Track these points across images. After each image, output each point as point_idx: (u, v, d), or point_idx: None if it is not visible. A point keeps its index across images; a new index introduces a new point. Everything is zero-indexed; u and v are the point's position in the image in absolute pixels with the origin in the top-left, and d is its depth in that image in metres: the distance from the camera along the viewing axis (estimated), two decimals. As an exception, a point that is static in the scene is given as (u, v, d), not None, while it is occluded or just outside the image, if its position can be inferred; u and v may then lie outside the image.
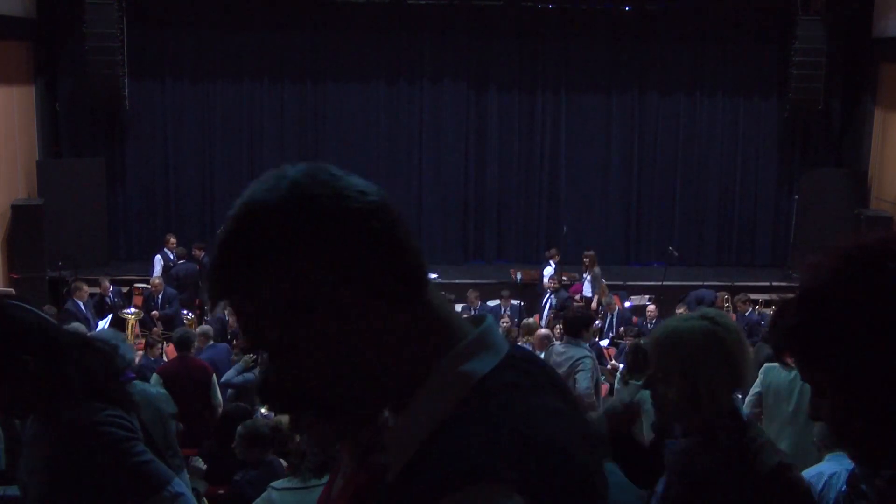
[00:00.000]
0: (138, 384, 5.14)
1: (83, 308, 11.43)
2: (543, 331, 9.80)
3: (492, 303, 13.35)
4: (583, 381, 6.76)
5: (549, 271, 13.54)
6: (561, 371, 7.08)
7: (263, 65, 15.71)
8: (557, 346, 7.57)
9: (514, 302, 13.09)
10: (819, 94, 14.87)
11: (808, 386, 1.33)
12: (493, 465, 1.10)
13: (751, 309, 12.32)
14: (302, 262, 1.14)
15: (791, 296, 1.33)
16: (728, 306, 12.95)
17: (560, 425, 1.20)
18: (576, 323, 7.28)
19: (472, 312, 12.53)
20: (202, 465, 4.91)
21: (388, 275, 1.19)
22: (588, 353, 7.06)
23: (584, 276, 13.53)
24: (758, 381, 6.06)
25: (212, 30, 15.51)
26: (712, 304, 12.87)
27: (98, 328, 10.99)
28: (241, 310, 1.18)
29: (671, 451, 2.46)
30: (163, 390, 5.63)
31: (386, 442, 1.23)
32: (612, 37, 15.82)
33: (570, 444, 1.18)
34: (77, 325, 8.09)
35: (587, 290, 13.40)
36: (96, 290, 12.40)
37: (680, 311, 11.70)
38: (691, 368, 2.34)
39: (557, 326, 11.33)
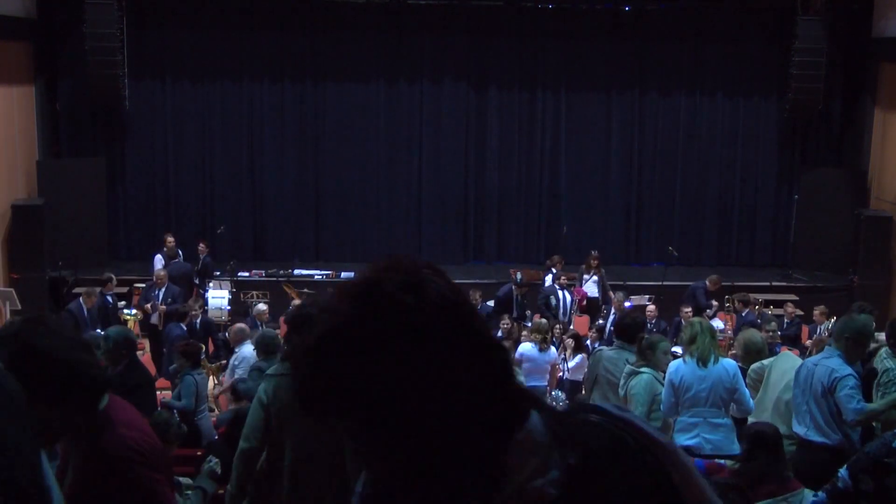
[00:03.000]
0: None
1: (85, 312, 11.38)
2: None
3: (493, 302, 13.32)
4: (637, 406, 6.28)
5: (549, 280, 13.37)
6: (612, 378, 6.95)
7: (263, 65, 15.70)
8: (608, 351, 7.39)
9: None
10: (819, 94, 14.87)
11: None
12: None
13: (747, 309, 12.30)
14: None
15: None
16: (728, 306, 12.96)
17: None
18: (629, 329, 7.13)
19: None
20: (217, 467, 4.86)
21: None
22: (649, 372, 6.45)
23: (585, 277, 13.50)
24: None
25: (212, 30, 15.50)
26: (705, 290, 12.93)
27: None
28: None
29: None
30: None
31: None
32: (612, 37, 15.81)
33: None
34: None
35: (592, 291, 13.38)
36: (98, 289, 12.36)
37: (686, 309, 11.77)
38: None
39: (558, 327, 11.35)
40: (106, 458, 2.27)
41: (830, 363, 5.63)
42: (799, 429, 5.75)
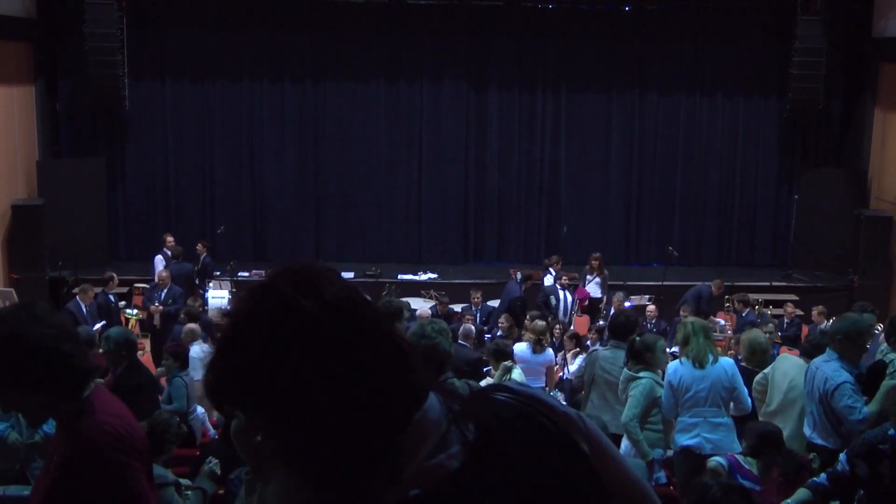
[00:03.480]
0: None
1: (84, 310, 11.38)
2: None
3: (493, 302, 13.33)
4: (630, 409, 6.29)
5: (549, 280, 13.38)
6: (609, 377, 6.94)
7: (263, 65, 15.71)
8: (603, 351, 7.35)
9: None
10: (819, 94, 14.87)
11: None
12: None
13: (748, 309, 12.29)
14: None
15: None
16: (728, 306, 12.96)
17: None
18: (623, 328, 7.12)
19: (474, 312, 12.54)
20: (217, 468, 4.85)
21: None
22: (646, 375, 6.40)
23: (588, 278, 13.49)
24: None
25: (212, 30, 15.50)
26: (710, 296, 12.90)
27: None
28: None
29: None
30: None
31: None
32: (612, 37, 15.81)
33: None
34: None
35: (594, 293, 13.37)
36: (100, 288, 12.35)
37: (684, 312, 11.72)
38: None
39: (558, 327, 11.34)
40: (82, 441, 2.32)
41: (827, 368, 5.63)
42: (806, 430, 5.79)
